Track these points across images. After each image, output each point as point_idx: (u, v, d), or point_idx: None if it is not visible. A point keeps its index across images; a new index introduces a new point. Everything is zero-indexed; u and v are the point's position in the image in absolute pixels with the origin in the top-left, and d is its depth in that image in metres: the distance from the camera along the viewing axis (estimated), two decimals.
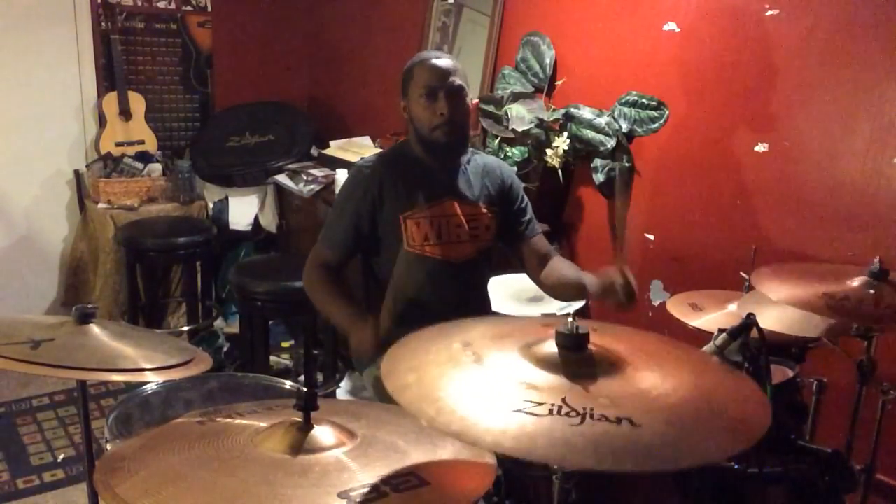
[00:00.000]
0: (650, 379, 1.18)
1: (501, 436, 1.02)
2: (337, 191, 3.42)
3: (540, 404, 1.07)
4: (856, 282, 1.73)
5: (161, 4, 4.20)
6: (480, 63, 3.35)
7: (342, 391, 3.27)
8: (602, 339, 1.23)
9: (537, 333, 1.24)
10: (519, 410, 1.06)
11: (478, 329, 1.33)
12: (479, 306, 2.18)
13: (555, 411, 1.05)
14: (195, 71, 4.37)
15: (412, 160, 2.07)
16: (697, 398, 1.17)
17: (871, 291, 1.69)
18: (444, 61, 2.03)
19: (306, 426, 1.14)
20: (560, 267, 2.11)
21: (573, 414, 1.05)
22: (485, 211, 2.10)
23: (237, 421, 1.22)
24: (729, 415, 1.15)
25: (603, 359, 1.19)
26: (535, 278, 2.15)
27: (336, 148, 3.87)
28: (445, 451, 1.17)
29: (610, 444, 1.00)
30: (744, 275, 2.05)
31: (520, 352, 1.21)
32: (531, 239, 2.16)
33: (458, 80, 2.00)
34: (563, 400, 1.07)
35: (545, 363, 1.17)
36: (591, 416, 1.04)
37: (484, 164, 2.15)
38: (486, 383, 1.15)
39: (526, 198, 2.19)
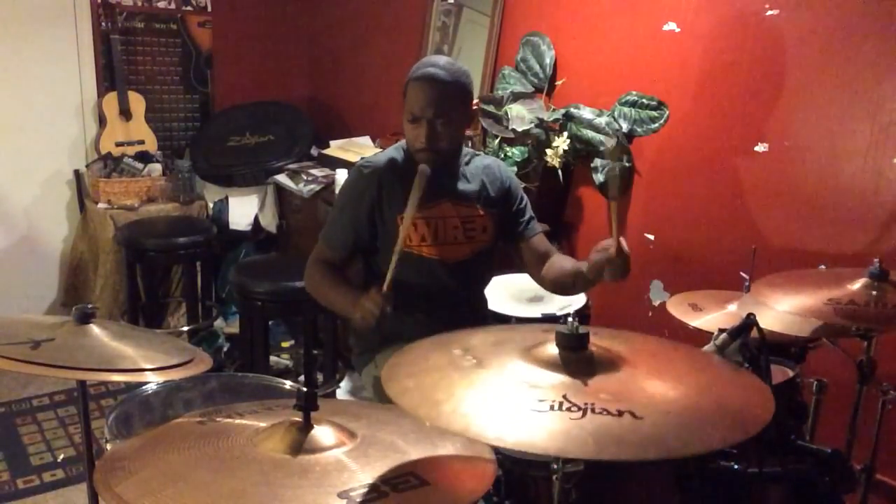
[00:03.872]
0: (651, 376, 1.19)
1: (503, 431, 1.03)
2: (337, 191, 3.43)
3: (541, 401, 1.08)
4: (857, 284, 1.72)
5: (161, 4, 4.20)
6: (480, 63, 3.35)
7: (342, 391, 3.27)
8: (602, 341, 1.24)
9: (537, 338, 1.24)
10: (520, 407, 1.07)
11: (477, 336, 1.35)
12: (475, 307, 2.19)
13: (556, 407, 1.06)
14: (195, 71, 4.37)
15: (411, 161, 2.06)
16: (698, 392, 1.18)
17: (874, 293, 1.68)
18: (436, 85, 1.94)
19: (306, 426, 1.14)
20: (558, 260, 2.11)
21: (574, 409, 1.06)
22: (482, 213, 2.10)
23: (237, 421, 1.22)
24: (730, 405, 1.16)
25: (603, 358, 1.20)
26: (536, 277, 2.15)
27: (336, 148, 3.88)
28: (445, 452, 1.17)
29: (611, 435, 1.01)
30: (744, 275, 2.05)
31: (520, 355, 1.22)
32: (531, 238, 2.15)
33: (444, 111, 1.93)
34: (564, 396, 1.09)
35: (546, 364, 1.18)
36: (593, 411, 1.05)
37: (483, 166, 2.15)
38: (487, 384, 1.16)
39: (525, 198, 2.19)
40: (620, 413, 1.04)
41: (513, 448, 1.02)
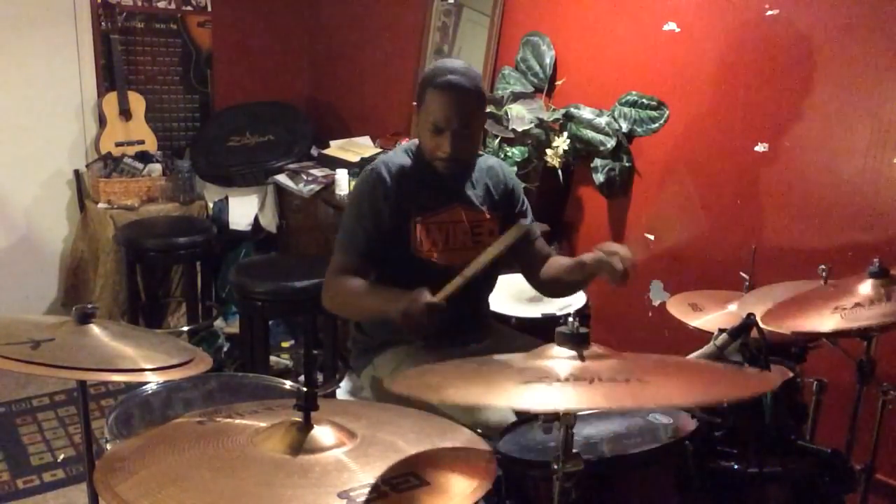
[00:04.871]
0: (651, 366, 1.24)
1: (513, 398, 1.09)
2: (337, 191, 3.43)
3: (548, 378, 1.11)
4: (860, 285, 1.72)
5: (161, 4, 4.20)
6: (480, 63, 3.35)
7: (342, 391, 3.27)
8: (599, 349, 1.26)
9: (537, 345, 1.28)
10: (528, 381, 1.11)
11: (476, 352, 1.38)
12: (478, 312, 2.17)
13: (563, 381, 1.10)
14: (195, 71, 4.37)
15: (423, 164, 2.02)
16: (698, 373, 1.26)
17: (882, 290, 1.68)
18: (460, 93, 1.88)
19: (306, 426, 1.14)
20: (556, 259, 2.10)
21: (582, 380, 1.10)
22: (488, 216, 2.07)
23: (237, 421, 1.23)
24: (730, 377, 1.27)
25: (603, 358, 1.21)
26: (535, 281, 2.13)
27: (336, 148, 3.88)
28: (445, 452, 1.18)
29: (620, 392, 1.07)
30: (744, 275, 2.05)
31: (522, 355, 1.24)
32: (534, 243, 2.13)
33: (468, 120, 1.89)
34: (571, 374, 1.12)
35: (549, 358, 1.19)
36: (600, 380, 1.09)
37: (487, 167, 2.12)
38: (493, 373, 1.20)
39: (526, 201, 2.17)
40: (627, 380, 1.09)
41: (527, 409, 1.06)
